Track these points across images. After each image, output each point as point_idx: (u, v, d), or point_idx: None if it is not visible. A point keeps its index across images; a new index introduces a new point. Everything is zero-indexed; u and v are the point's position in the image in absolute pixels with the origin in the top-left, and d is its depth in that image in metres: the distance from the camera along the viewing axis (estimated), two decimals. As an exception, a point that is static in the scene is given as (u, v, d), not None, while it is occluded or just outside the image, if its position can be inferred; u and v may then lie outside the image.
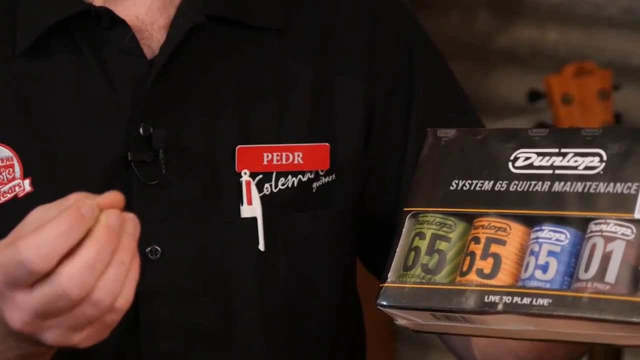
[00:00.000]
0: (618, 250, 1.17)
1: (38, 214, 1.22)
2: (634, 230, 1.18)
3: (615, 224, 1.19)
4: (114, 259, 1.19)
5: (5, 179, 1.46)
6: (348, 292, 1.59)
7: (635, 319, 1.15)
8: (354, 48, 1.55)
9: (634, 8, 2.76)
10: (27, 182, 1.46)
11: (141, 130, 1.46)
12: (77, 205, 1.19)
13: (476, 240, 1.25)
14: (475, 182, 1.28)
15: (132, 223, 1.22)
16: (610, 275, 1.17)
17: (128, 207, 1.41)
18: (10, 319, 1.21)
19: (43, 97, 1.48)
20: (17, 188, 1.47)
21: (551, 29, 2.86)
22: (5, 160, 1.47)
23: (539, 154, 1.26)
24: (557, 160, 1.25)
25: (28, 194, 1.46)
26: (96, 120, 1.48)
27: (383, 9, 1.59)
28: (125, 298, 1.21)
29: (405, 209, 1.31)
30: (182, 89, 1.49)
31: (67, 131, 1.48)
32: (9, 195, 1.46)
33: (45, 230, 1.17)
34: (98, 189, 1.40)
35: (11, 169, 1.46)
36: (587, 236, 1.20)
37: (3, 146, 1.47)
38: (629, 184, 1.20)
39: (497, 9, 2.93)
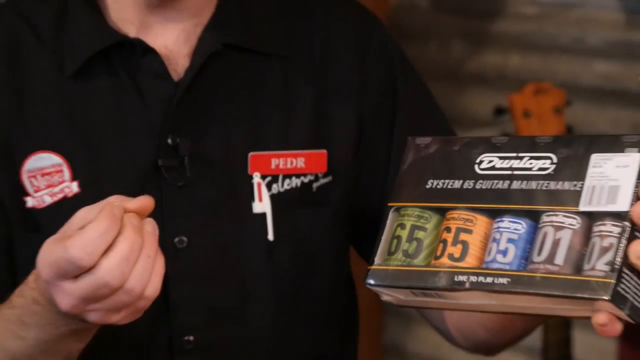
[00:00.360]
0: (565, 237, 1.18)
1: (81, 215, 1.24)
2: (579, 221, 1.18)
3: (563, 216, 1.19)
4: (141, 253, 1.21)
5: (56, 181, 1.47)
6: (343, 273, 1.59)
7: (580, 294, 1.15)
8: (347, 70, 1.55)
9: (583, 38, 2.75)
10: (75, 184, 1.47)
11: (169, 141, 1.47)
12: (109, 207, 1.21)
13: (448, 229, 1.25)
14: (447, 181, 1.28)
15: (151, 224, 1.24)
16: (559, 258, 1.17)
17: (159, 205, 1.42)
18: (60, 303, 1.23)
19: (88, 113, 1.49)
20: (66, 189, 1.47)
21: (514, 56, 2.85)
22: (56, 166, 1.47)
23: (500, 158, 1.26)
24: (515, 163, 1.24)
25: (76, 194, 1.47)
26: (132, 132, 1.48)
27: (371, 38, 1.58)
28: (153, 287, 1.23)
29: (389, 204, 1.31)
30: (203, 105, 1.49)
31: (108, 141, 1.48)
32: (60, 196, 1.47)
33: (88, 231, 1.19)
34: (134, 190, 1.44)
35: (61, 174, 1.47)
36: (540, 226, 1.20)
37: (54, 154, 1.47)
38: (575, 182, 1.20)
39: (468, 39, 2.92)
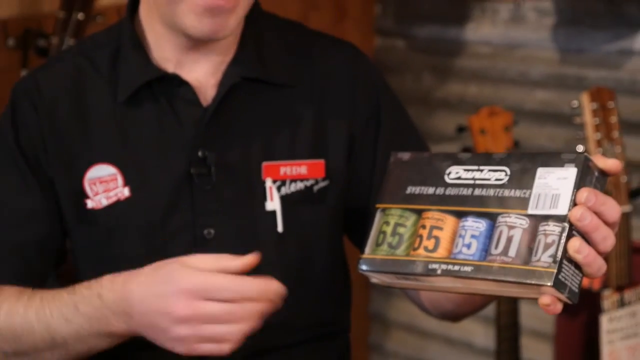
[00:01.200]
0: (517, 235, 1.17)
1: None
2: (528, 222, 1.17)
3: (515, 217, 1.18)
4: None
5: (111, 187, 1.46)
6: (338, 257, 1.57)
7: (528, 281, 1.14)
8: (340, 97, 1.53)
9: (526, 72, 2.75)
10: (126, 189, 1.46)
11: (200, 154, 1.45)
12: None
13: (423, 227, 1.24)
14: (422, 188, 1.27)
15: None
16: (512, 252, 1.16)
17: (191, 204, 1.45)
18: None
19: (136, 132, 1.47)
20: (119, 194, 1.46)
21: (471, 85, 2.85)
22: (112, 175, 1.46)
23: (465, 170, 1.25)
24: (477, 174, 1.23)
25: (127, 198, 1.46)
26: (170, 147, 1.47)
27: (360, 69, 1.56)
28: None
29: (376, 205, 1.30)
30: (226, 125, 1.47)
31: (151, 154, 1.47)
32: (114, 199, 1.46)
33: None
34: (171, 193, 1.44)
35: (115, 181, 1.46)
36: (496, 225, 1.19)
37: (110, 165, 1.46)
38: (525, 191, 1.19)
39: (435, 72, 2.92)
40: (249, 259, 1.28)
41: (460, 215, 1.22)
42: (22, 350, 1.40)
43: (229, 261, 1.28)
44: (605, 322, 2.18)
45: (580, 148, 2.16)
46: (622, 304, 2.18)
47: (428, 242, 1.23)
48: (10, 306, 1.40)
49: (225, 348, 1.26)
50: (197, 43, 1.45)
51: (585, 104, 2.16)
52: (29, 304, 1.38)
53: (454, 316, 1.54)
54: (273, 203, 1.48)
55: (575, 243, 1.14)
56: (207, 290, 1.25)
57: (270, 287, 1.27)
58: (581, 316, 2.48)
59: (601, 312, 2.18)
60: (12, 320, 1.39)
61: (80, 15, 2.21)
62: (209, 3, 1.38)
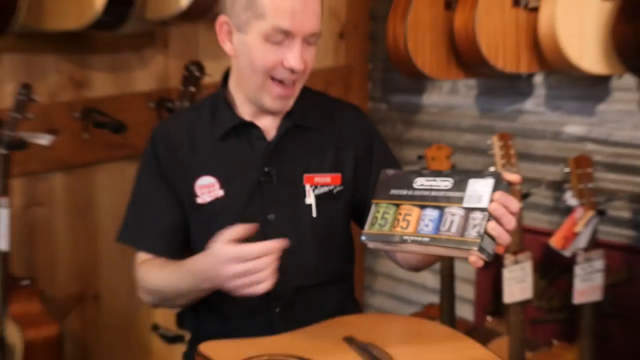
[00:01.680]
0: (456, 219, 1.15)
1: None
2: (463, 211, 1.16)
3: (455, 209, 1.17)
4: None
5: (212, 190, 1.44)
6: (348, 233, 1.55)
7: (463, 247, 1.14)
8: (349, 136, 1.51)
9: (459, 123, 2.73)
10: (221, 191, 1.44)
11: (266, 169, 1.44)
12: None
13: (400, 214, 1.23)
14: (400, 190, 1.26)
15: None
16: (453, 229, 1.16)
17: (261, 200, 1.41)
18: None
19: (226, 156, 1.46)
20: (217, 194, 1.44)
21: (426, 131, 2.82)
22: (213, 183, 1.44)
23: (426, 180, 1.24)
24: (433, 183, 1.23)
25: (222, 196, 1.44)
26: (247, 165, 1.45)
27: (361, 120, 1.54)
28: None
29: (372, 201, 1.29)
30: (282, 152, 1.46)
31: (236, 170, 1.45)
32: (214, 197, 1.44)
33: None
34: (248, 193, 1.42)
35: (214, 186, 1.44)
36: (444, 213, 1.18)
37: (211, 177, 1.44)
38: (461, 192, 1.18)
39: (405, 123, 2.90)
40: (249, 228, 1.26)
41: (422, 207, 1.22)
42: (165, 298, 1.42)
43: (237, 231, 1.26)
44: (506, 273, 2.16)
45: (492, 169, 2.15)
46: (516, 262, 2.16)
47: (403, 223, 1.23)
48: (160, 271, 1.42)
49: (262, 288, 1.24)
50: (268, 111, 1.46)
51: (495, 143, 2.15)
52: (170, 269, 1.40)
53: (416, 269, 1.51)
54: (310, 199, 1.46)
55: (492, 224, 1.14)
56: (238, 257, 1.23)
57: (274, 246, 1.24)
58: (492, 269, 2.47)
59: (504, 267, 2.17)
60: (161, 280, 1.42)
61: (193, 89, 2.24)
62: (282, 94, 1.40)
